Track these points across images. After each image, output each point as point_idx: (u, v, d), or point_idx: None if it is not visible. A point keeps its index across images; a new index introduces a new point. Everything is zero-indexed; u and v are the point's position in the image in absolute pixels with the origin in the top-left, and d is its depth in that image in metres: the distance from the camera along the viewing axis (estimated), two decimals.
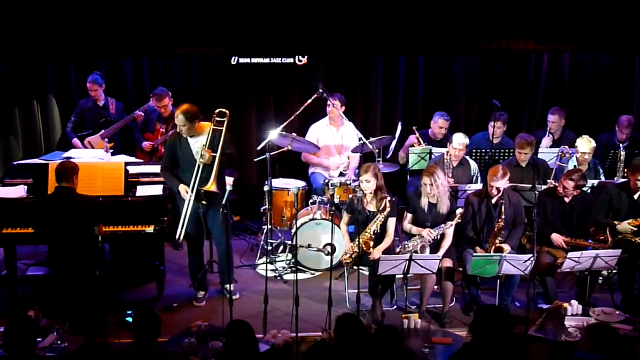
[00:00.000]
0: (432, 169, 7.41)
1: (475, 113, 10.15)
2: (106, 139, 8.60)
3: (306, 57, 9.57)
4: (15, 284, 7.31)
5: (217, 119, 7.19)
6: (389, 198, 7.35)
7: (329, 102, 8.82)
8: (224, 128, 7.18)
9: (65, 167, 6.86)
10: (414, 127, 9.08)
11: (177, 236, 7.23)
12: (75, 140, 8.92)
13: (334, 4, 9.06)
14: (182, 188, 7.19)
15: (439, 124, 9.13)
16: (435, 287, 7.35)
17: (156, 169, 7.89)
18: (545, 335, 6.41)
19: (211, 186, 7.00)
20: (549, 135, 9.02)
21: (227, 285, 7.39)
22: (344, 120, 8.88)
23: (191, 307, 7.47)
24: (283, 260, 8.54)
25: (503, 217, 7.22)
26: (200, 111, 7.40)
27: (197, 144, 7.17)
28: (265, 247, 8.33)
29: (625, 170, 8.25)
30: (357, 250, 7.17)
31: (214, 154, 7.09)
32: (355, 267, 7.47)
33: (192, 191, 7.12)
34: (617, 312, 6.69)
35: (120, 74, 9.68)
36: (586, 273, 7.19)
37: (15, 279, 7.32)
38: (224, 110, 7.21)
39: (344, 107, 8.93)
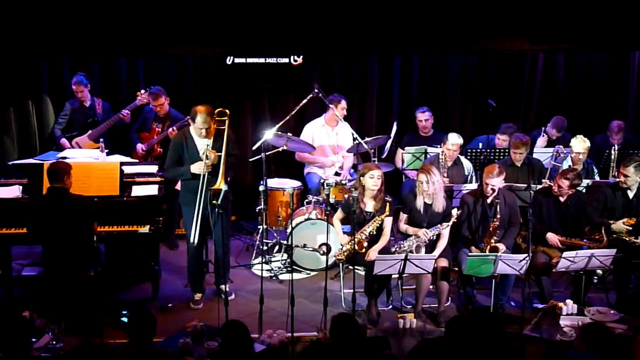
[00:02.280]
0: (428, 166, 7.43)
1: (470, 113, 10.17)
2: (101, 140, 8.59)
3: (301, 57, 9.58)
4: (10, 284, 7.29)
5: (217, 118, 7.18)
6: (389, 200, 7.36)
7: (342, 106, 8.82)
8: (225, 127, 7.16)
9: (56, 168, 6.84)
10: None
11: (192, 239, 7.19)
12: (64, 141, 8.90)
13: (329, 4, 9.06)
14: (193, 166, 7.08)
15: (419, 118, 9.30)
16: (431, 286, 7.35)
17: (152, 168, 7.88)
18: (541, 335, 6.42)
19: (220, 185, 6.93)
20: (543, 135, 9.04)
21: (223, 286, 7.37)
22: (339, 120, 8.89)
23: (186, 307, 7.46)
24: (278, 260, 8.53)
25: (498, 216, 7.23)
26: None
27: (203, 145, 7.13)
28: (261, 247, 8.33)
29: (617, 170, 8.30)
30: (351, 249, 7.17)
31: (219, 154, 7.06)
32: (350, 267, 7.47)
33: (200, 195, 7.06)
34: (612, 312, 6.70)
35: (115, 75, 9.67)
36: (581, 272, 7.20)
37: (10, 279, 7.29)
38: (223, 110, 7.21)
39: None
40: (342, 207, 7.61)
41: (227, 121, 7.20)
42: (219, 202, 6.67)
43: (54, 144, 8.99)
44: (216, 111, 7.18)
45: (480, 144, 8.96)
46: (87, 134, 8.88)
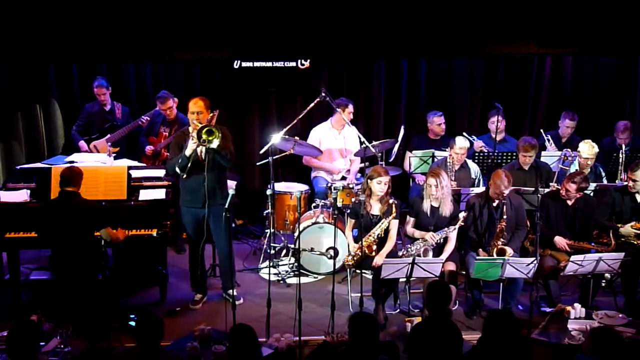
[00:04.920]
0: (438, 170, 7.42)
1: (477, 117, 10.16)
2: (109, 143, 8.61)
3: (309, 61, 9.58)
4: (18, 288, 7.30)
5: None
6: (394, 202, 7.36)
7: (349, 110, 8.82)
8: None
9: (72, 172, 6.85)
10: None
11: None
12: (82, 143, 8.94)
13: (336, 8, 9.06)
14: (187, 150, 6.98)
15: (436, 122, 9.29)
16: None
17: (159, 172, 7.89)
18: (549, 339, 6.41)
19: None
20: (549, 141, 8.99)
21: (230, 291, 7.37)
22: (347, 123, 8.89)
23: (194, 311, 7.47)
24: (286, 264, 8.52)
25: (505, 217, 7.22)
26: None
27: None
28: (268, 251, 8.34)
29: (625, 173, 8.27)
30: (360, 254, 7.18)
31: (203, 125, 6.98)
32: (358, 271, 7.47)
33: (203, 200, 7.06)
34: (620, 315, 6.69)
35: (123, 79, 9.69)
36: (589, 276, 7.18)
37: (18, 283, 7.32)
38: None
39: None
40: (350, 214, 7.59)
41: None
42: (226, 207, 6.64)
43: (73, 145, 9.02)
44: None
45: (481, 142, 9.00)
46: (105, 138, 8.91)
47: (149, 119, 8.94)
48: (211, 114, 7.23)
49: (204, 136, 6.82)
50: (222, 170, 7.27)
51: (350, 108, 8.88)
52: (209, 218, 7.19)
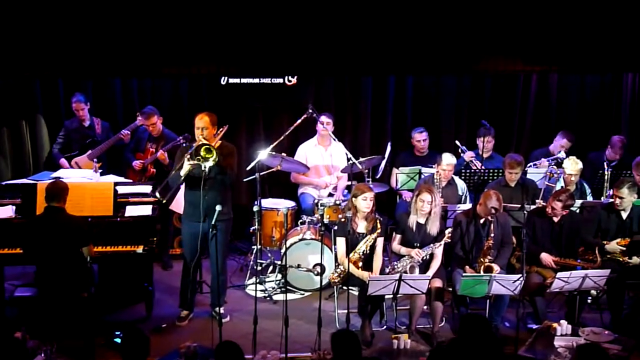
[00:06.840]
0: (432, 187, 7.44)
1: (464, 133, 10.16)
2: (95, 159, 8.58)
3: (296, 77, 9.59)
4: (2, 304, 7.27)
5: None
6: (379, 218, 7.36)
7: (322, 120, 8.84)
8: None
9: (58, 187, 6.81)
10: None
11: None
12: (63, 161, 8.89)
13: (323, 24, 9.09)
14: (183, 170, 7.02)
15: (417, 139, 9.33)
16: (425, 307, 7.34)
17: (146, 189, 7.87)
18: (535, 356, 6.41)
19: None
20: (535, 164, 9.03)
21: (217, 308, 7.35)
22: (333, 139, 8.90)
23: (180, 327, 7.44)
24: (272, 281, 8.50)
25: (492, 234, 7.23)
26: (189, 131, 7.39)
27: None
28: (255, 267, 8.31)
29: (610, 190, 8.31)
30: (346, 270, 7.17)
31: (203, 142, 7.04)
32: (344, 287, 7.46)
33: (203, 214, 7.06)
34: (606, 332, 6.71)
35: (109, 94, 9.66)
36: (575, 293, 7.19)
37: (2, 299, 7.28)
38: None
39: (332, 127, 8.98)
40: (338, 231, 7.52)
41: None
42: (213, 223, 6.64)
43: (55, 164, 8.97)
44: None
45: (472, 153, 9.03)
46: (86, 154, 8.87)
47: (129, 133, 8.90)
48: (218, 130, 7.27)
49: (202, 153, 6.87)
50: (224, 186, 7.26)
51: (322, 118, 8.89)
52: (208, 233, 7.16)
